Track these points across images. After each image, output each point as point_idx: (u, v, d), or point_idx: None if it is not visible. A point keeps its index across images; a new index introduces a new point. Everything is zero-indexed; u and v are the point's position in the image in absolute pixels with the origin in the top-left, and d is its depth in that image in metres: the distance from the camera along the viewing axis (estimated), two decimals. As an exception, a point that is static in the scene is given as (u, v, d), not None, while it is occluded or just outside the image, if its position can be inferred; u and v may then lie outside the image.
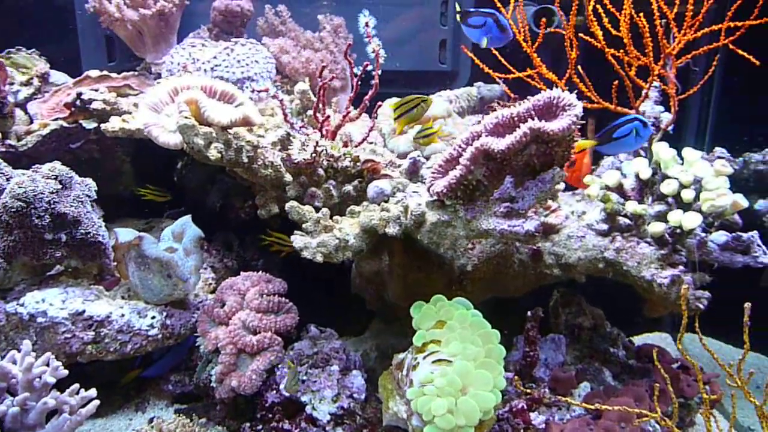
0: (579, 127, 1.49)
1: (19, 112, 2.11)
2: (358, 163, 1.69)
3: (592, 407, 1.76)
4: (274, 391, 1.75)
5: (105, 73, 2.16)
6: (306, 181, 1.66)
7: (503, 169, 1.54)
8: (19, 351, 1.55)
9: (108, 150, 2.17)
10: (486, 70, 2.14)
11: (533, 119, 1.47)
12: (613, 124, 1.82)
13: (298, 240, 1.42)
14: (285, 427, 1.75)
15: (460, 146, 1.57)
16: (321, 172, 1.65)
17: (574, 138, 1.51)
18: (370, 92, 1.93)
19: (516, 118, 1.52)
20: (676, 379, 2.00)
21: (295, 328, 1.86)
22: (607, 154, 1.85)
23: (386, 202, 1.62)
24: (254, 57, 1.97)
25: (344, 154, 1.67)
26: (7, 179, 1.73)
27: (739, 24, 1.91)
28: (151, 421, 1.87)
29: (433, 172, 1.58)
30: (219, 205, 2.18)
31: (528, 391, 1.76)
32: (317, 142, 1.61)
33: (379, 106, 1.97)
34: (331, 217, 1.52)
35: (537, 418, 1.71)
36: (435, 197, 1.56)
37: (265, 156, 1.64)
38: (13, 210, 1.64)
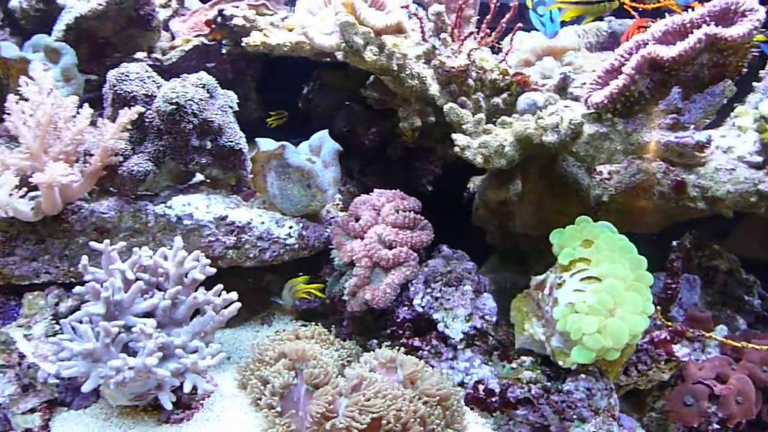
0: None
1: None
2: (507, 76, 1.64)
3: (738, 344, 1.68)
4: (406, 307, 1.75)
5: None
6: (456, 90, 1.63)
7: (669, 80, 1.46)
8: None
9: (240, 73, 2.20)
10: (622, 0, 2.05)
11: (708, 26, 1.39)
12: None
13: (460, 139, 1.40)
14: (415, 344, 1.74)
15: (622, 56, 1.50)
16: (471, 82, 1.62)
17: (751, 46, 1.42)
18: (507, 15, 1.87)
19: (689, 25, 1.44)
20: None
21: (425, 248, 1.85)
22: None
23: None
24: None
25: (493, 67, 1.62)
26: (158, 87, 1.78)
27: None
28: (277, 333, 1.90)
29: (591, 83, 1.52)
30: (345, 131, 2.18)
31: (669, 323, 1.70)
32: (471, 50, 1.57)
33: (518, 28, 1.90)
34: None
35: (679, 351, 1.64)
36: (592, 109, 1.50)
37: (411, 67, 1.62)
38: (165, 114, 1.69)
